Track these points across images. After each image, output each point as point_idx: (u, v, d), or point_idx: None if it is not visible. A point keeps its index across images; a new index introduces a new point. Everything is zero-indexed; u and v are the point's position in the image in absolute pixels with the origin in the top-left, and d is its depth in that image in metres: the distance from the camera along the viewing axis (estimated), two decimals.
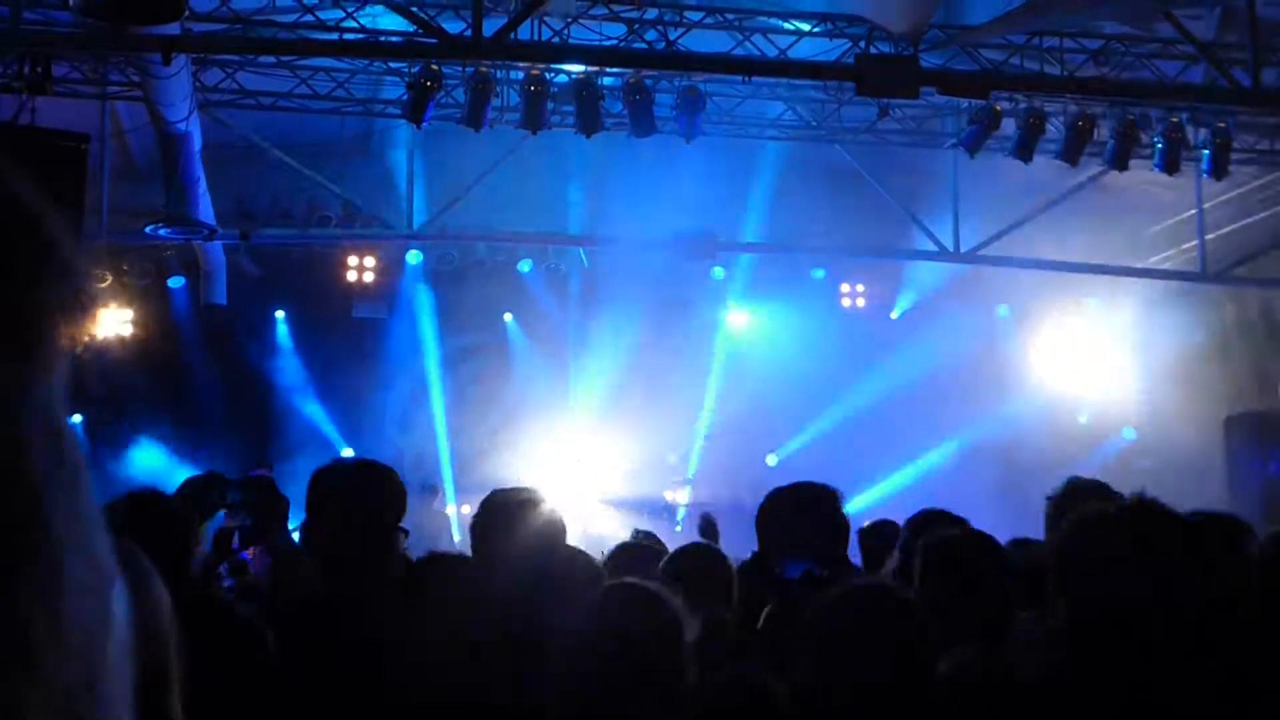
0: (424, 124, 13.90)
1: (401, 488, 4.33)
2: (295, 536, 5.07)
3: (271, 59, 14.38)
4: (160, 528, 4.11)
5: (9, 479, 0.76)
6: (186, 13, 10.75)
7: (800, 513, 4.64)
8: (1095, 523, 3.14)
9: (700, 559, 5.09)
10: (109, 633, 0.81)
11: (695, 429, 18.71)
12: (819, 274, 19.12)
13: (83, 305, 0.83)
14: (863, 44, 13.43)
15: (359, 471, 4.38)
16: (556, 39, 13.41)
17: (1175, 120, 14.82)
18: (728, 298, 19.14)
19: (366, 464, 4.45)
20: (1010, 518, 6.45)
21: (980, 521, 4.64)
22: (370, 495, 4.20)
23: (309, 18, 12.94)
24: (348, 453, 16.89)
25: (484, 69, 13.46)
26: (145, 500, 4.30)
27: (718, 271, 18.82)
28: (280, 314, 17.98)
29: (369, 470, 4.36)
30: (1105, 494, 4.65)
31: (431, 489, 15.41)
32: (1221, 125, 14.88)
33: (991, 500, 12.09)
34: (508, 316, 18.79)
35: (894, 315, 19.57)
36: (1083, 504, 4.29)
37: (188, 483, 4.65)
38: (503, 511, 4.32)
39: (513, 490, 4.50)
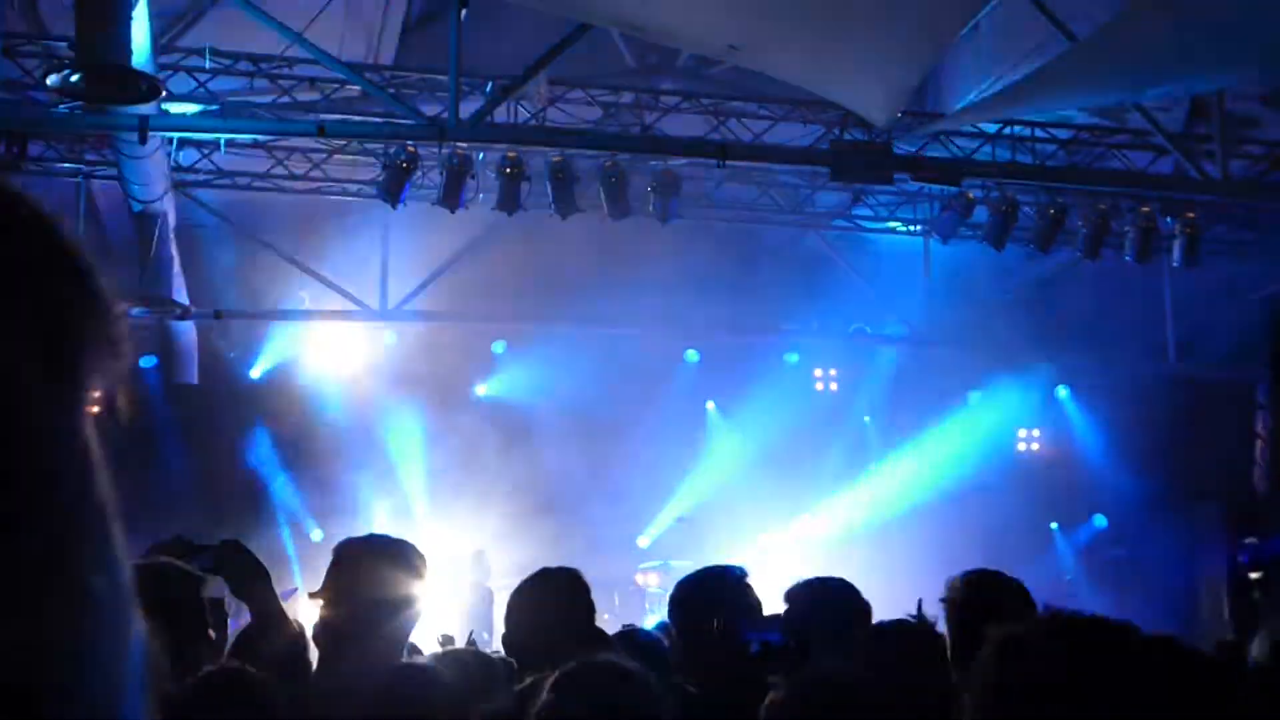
0: (399, 205, 13.94)
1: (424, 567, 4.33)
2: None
3: (248, 139, 14.43)
4: (180, 597, 3.99)
5: (36, 492, 0.78)
6: (164, 93, 10.80)
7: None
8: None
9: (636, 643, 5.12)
10: (128, 652, 0.81)
11: (667, 512, 18.63)
12: (792, 359, 19.13)
13: (114, 341, 0.83)
14: (837, 130, 13.55)
15: (383, 547, 4.37)
16: (532, 122, 13.50)
17: (1146, 210, 14.94)
18: (700, 380, 19.16)
19: (390, 540, 4.44)
20: None
21: None
22: (396, 572, 4.21)
23: (286, 99, 13.01)
24: (317, 534, 16.79)
25: (460, 151, 13.51)
26: (159, 571, 4.10)
27: (691, 355, 18.85)
28: (251, 392, 17.90)
29: (394, 546, 4.36)
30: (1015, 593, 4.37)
31: None
32: (1191, 215, 15.00)
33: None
34: (481, 393, 18.76)
35: (865, 406, 19.56)
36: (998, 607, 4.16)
37: (153, 549, 4.48)
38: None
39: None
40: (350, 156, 15.10)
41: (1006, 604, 4.12)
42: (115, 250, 14.98)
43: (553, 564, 4.95)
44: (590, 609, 4.78)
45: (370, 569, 4.24)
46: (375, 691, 3.71)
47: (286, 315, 16.82)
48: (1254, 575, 16.16)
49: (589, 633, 4.71)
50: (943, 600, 4.34)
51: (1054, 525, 19.27)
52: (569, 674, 3.43)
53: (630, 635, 5.87)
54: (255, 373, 17.69)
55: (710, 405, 19.29)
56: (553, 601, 4.69)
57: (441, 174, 13.77)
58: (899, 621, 4.42)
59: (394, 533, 4.59)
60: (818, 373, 19.58)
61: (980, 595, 4.27)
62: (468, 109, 11.52)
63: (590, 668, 3.45)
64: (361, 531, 4.56)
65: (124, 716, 0.80)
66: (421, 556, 4.38)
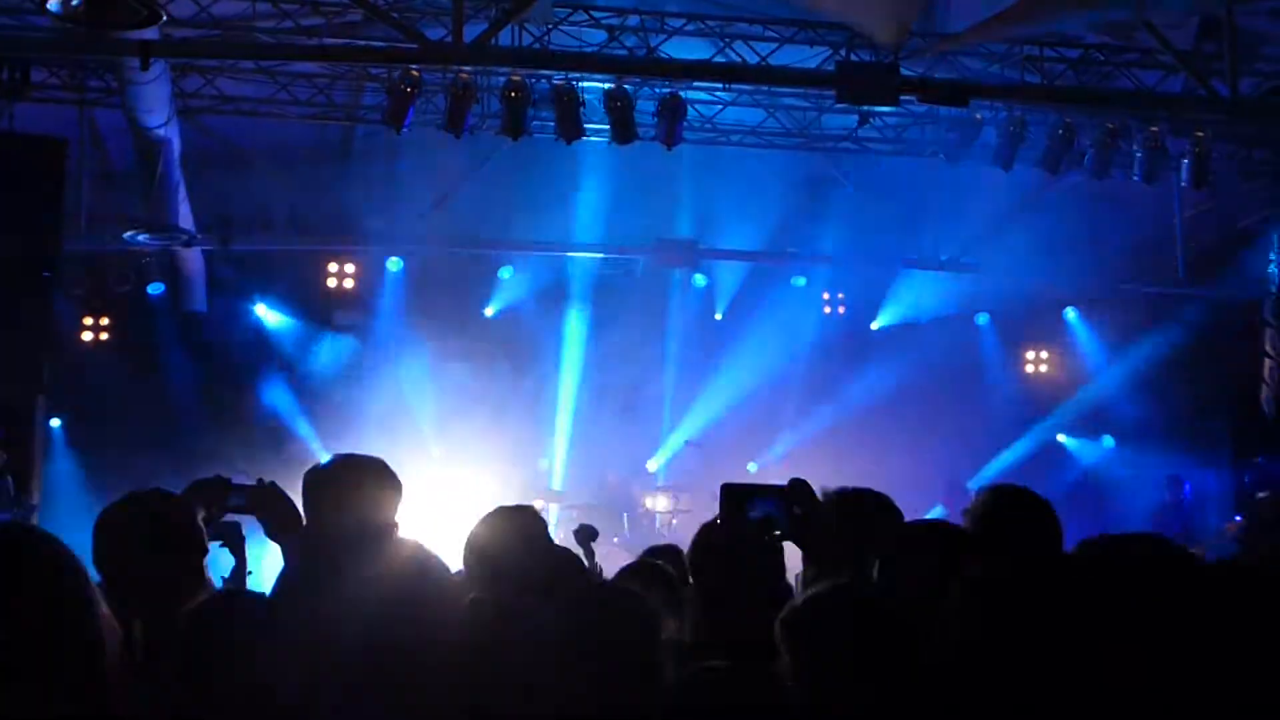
0: (404, 130, 13.86)
1: (396, 483, 4.34)
2: None
3: (251, 65, 14.34)
4: (172, 531, 4.01)
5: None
6: (165, 18, 10.72)
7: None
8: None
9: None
10: None
11: (676, 435, 18.68)
12: (800, 282, 19.09)
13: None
14: (843, 51, 13.44)
15: (351, 468, 4.38)
16: (537, 45, 13.40)
17: (1154, 130, 14.85)
18: (708, 304, 19.16)
19: (357, 460, 4.45)
20: None
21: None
22: (364, 492, 4.22)
23: (289, 23, 12.91)
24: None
25: (464, 75, 13.44)
26: (150, 501, 4.14)
27: (699, 279, 18.82)
28: (259, 319, 17.91)
29: (362, 467, 4.37)
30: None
31: None
32: (1200, 135, 14.90)
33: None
34: (488, 314, 18.74)
35: (875, 324, 19.55)
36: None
37: (194, 485, 4.63)
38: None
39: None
40: (355, 81, 15.04)
41: (1030, 519, 4.12)
42: (120, 177, 14.96)
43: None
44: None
45: (346, 490, 4.26)
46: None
47: (293, 243, 16.81)
48: (1261, 495, 16.26)
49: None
50: (965, 513, 4.35)
51: (1061, 438, 19.33)
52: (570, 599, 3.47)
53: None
54: (264, 301, 17.70)
55: (716, 326, 19.26)
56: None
57: (446, 99, 13.71)
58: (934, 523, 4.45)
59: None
60: (825, 296, 19.54)
61: (1004, 510, 4.25)
62: (471, 32, 11.41)
63: (599, 590, 3.49)
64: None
65: None
66: (391, 471, 4.42)
